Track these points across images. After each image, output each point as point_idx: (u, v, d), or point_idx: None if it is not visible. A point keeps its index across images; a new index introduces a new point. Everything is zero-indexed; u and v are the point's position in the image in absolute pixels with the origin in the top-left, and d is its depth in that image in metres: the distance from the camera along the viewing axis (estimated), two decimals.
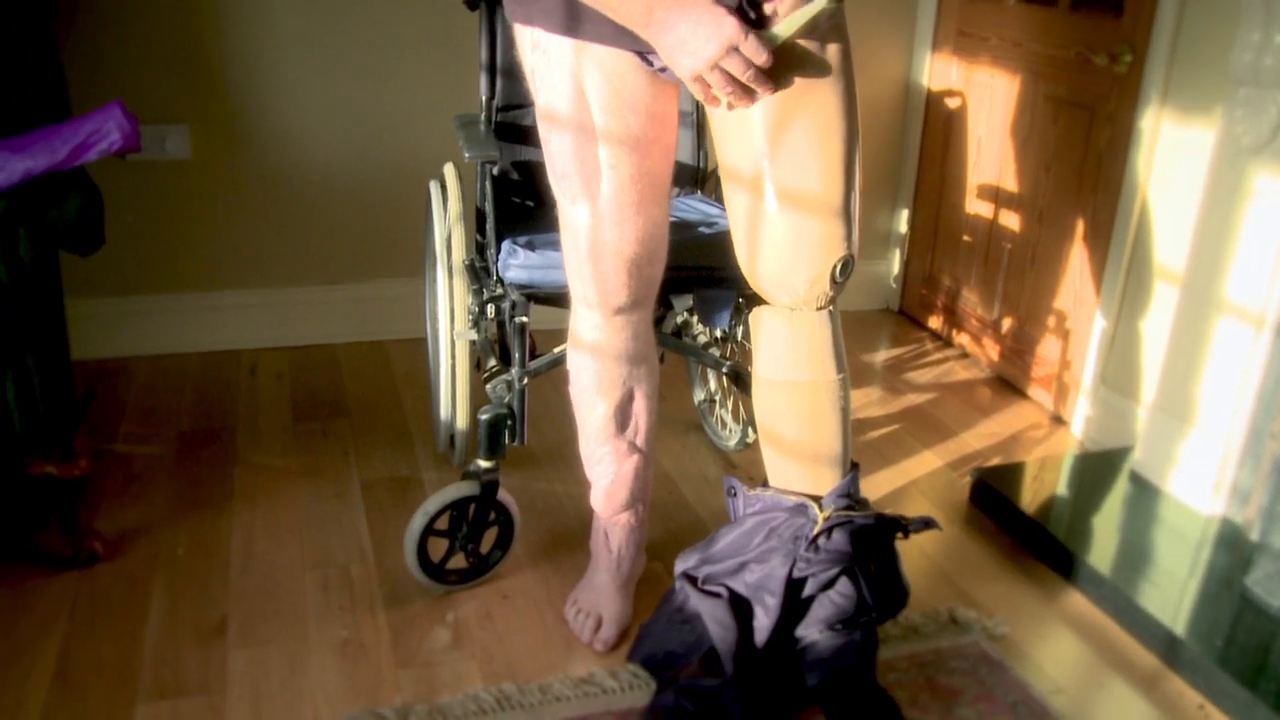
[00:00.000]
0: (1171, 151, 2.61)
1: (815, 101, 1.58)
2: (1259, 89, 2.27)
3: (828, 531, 1.73)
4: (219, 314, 3.18)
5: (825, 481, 1.76)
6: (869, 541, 1.77)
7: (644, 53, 1.59)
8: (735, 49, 1.45)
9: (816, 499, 1.74)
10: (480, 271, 2.24)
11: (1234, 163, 2.36)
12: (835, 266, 1.63)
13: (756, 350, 1.75)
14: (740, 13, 1.47)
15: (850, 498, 1.76)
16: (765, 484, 1.81)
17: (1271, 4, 2.19)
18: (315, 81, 3.05)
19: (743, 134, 1.61)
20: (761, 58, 1.47)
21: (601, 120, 1.65)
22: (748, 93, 1.50)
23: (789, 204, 1.60)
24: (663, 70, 1.62)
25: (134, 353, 3.13)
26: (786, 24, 1.50)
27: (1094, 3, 2.86)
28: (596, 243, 1.74)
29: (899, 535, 1.81)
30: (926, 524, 1.81)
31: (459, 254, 2.28)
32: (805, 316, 1.67)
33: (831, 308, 1.69)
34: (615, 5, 1.48)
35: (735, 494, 1.83)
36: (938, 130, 3.48)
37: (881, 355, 3.45)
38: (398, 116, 3.14)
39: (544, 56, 1.66)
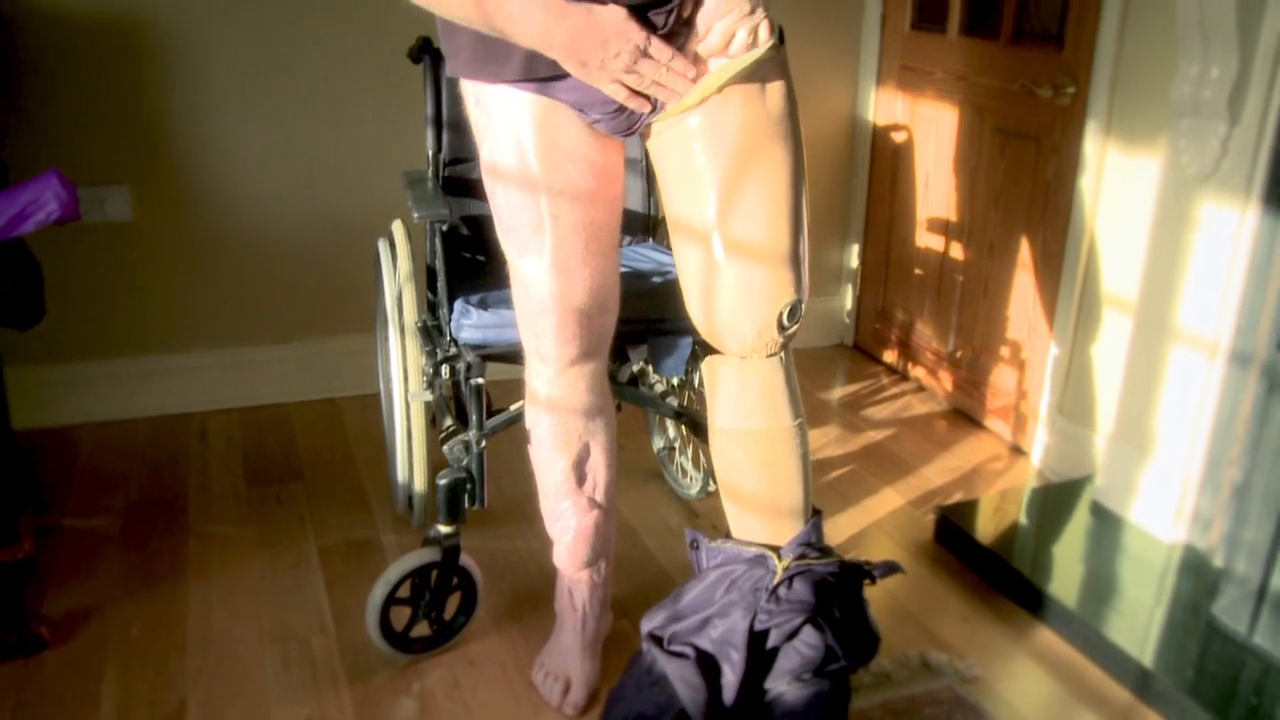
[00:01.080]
0: (1118, 181, 2.63)
1: (759, 146, 1.57)
2: (1200, 119, 2.29)
3: (788, 581, 1.70)
4: (167, 377, 3.11)
5: (786, 531, 1.74)
6: (833, 589, 1.75)
7: (580, 108, 1.59)
8: (644, 52, 1.48)
9: (776, 549, 1.72)
10: (433, 331, 2.21)
11: (1180, 192, 2.37)
12: (782, 312, 1.62)
13: (711, 399, 1.73)
14: (637, 12, 1.47)
15: (811, 545, 1.74)
16: (728, 535, 1.79)
17: (1208, 38, 2.21)
18: (259, 138, 3.00)
19: (688, 183, 1.61)
20: (668, 54, 1.49)
21: (542, 172, 1.64)
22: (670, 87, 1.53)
23: (735, 252, 1.59)
24: (596, 122, 1.61)
25: (79, 420, 3.06)
26: (719, 72, 1.50)
27: (1035, 36, 2.89)
28: (546, 295, 1.71)
29: (865, 581, 1.79)
30: (891, 569, 1.79)
31: (411, 314, 2.24)
32: (756, 364, 1.66)
33: (783, 353, 1.68)
34: (513, 29, 1.47)
35: (698, 547, 1.80)
36: (885, 164, 3.49)
37: (838, 392, 3.45)
38: (344, 171, 3.10)
39: (485, 112, 1.65)
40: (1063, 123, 2.75)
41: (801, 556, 1.72)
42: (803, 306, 1.64)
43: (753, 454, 1.71)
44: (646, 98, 1.55)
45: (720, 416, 1.72)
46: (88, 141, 2.87)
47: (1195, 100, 2.28)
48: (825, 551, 1.76)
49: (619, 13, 1.46)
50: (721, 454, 1.75)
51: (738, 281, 1.60)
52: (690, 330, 2.04)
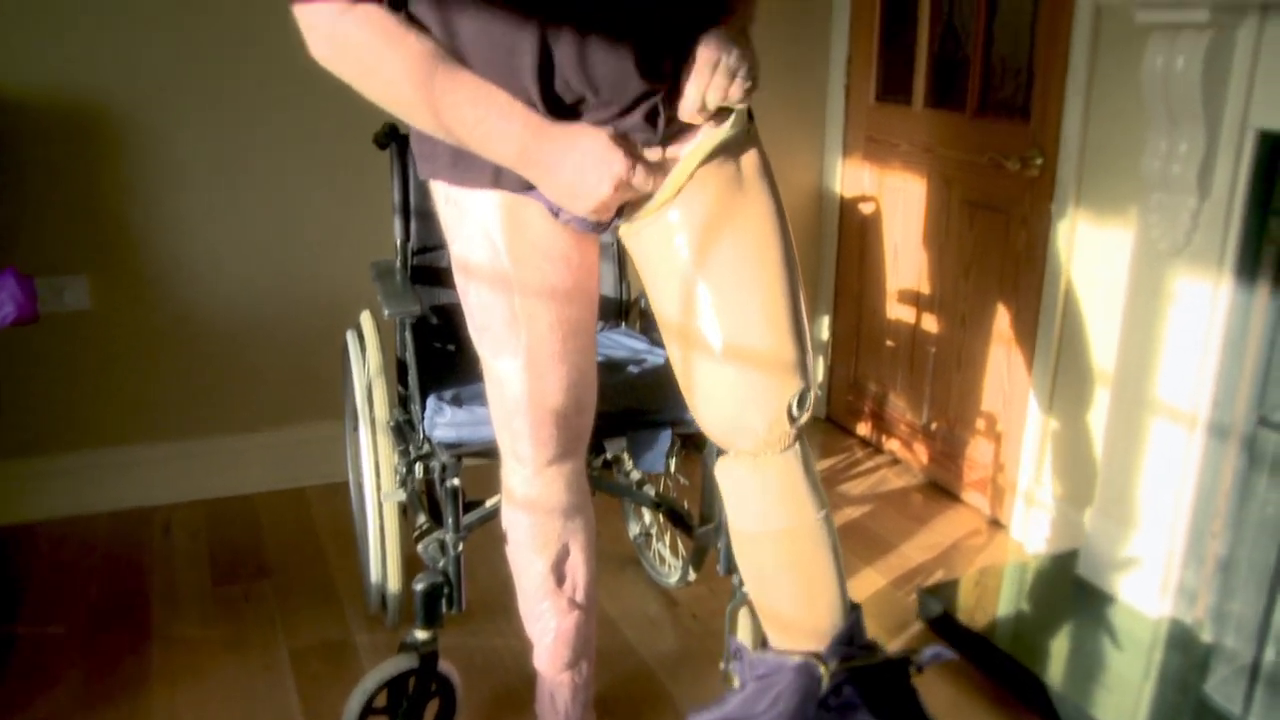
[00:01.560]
0: (1090, 253, 2.63)
1: (744, 230, 1.52)
2: (1170, 194, 2.29)
3: (836, 689, 1.63)
4: (128, 470, 3.03)
5: (826, 629, 1.63)
6: (882, 687, 1.67)
7: (550, 207, 1.53)
8: (627, 184, 1.42)
9: (819, 654, 1.63)
10: (405, 426, 2.15)
11: (1153, 265, 2.37)
12: (791, 403, 1.54)
13: (727, 502, 1.65)
14: (624, 138, 1.43)
15: (854, 644, 1.65)
16: (765, 643, 1.70)
17: (1174, 115, 2.22)
18: (222, 225, 2.95)
19: (674, 280, 1.55)
20: (650, 185, 1.44)
21: (515, 271, 1.58)
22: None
23: (734, 348, 1.53)
24: (569, 221, 1.55)
25: (35, 517, 2.96)
26: (689, 158, 1.46)
27: (1001, 108, 2.90)
28: (521, 396, 1.66)
29: (913, 672, 1.72)
30: (937, 656, 1.69)
31: (382, 411, 2.18)
32: (771, 460, 1.58)
33: (798, 444, 1.59)
34: (488, 145, 1.42)
35: (740, 657, 1.72)
36: (853, 236, 3.49)
37: None
38: (310, 257, 3.06)
39: (456, 209, 1.60)
40: (1032, 195, 2.75)
41: (846, 658, 1.62)
42: (811, 393, 1.57)
43: (781, 555, 1.63)
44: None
45: (740, 520, 1.64)
46: (46, 231, 2.81)
47: (1165, 175, 2.28)
48: (869, 648, 1.67)
49: (601, 139, 1.41)
50: (748, 559, 1.67)
51: (741, 378, 1.54)
52: (669, 421, 2.01)
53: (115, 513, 3.02)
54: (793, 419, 1.56)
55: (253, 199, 2.97)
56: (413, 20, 1.38)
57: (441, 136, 1.44)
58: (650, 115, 1.44)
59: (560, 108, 1.42)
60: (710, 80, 1.42)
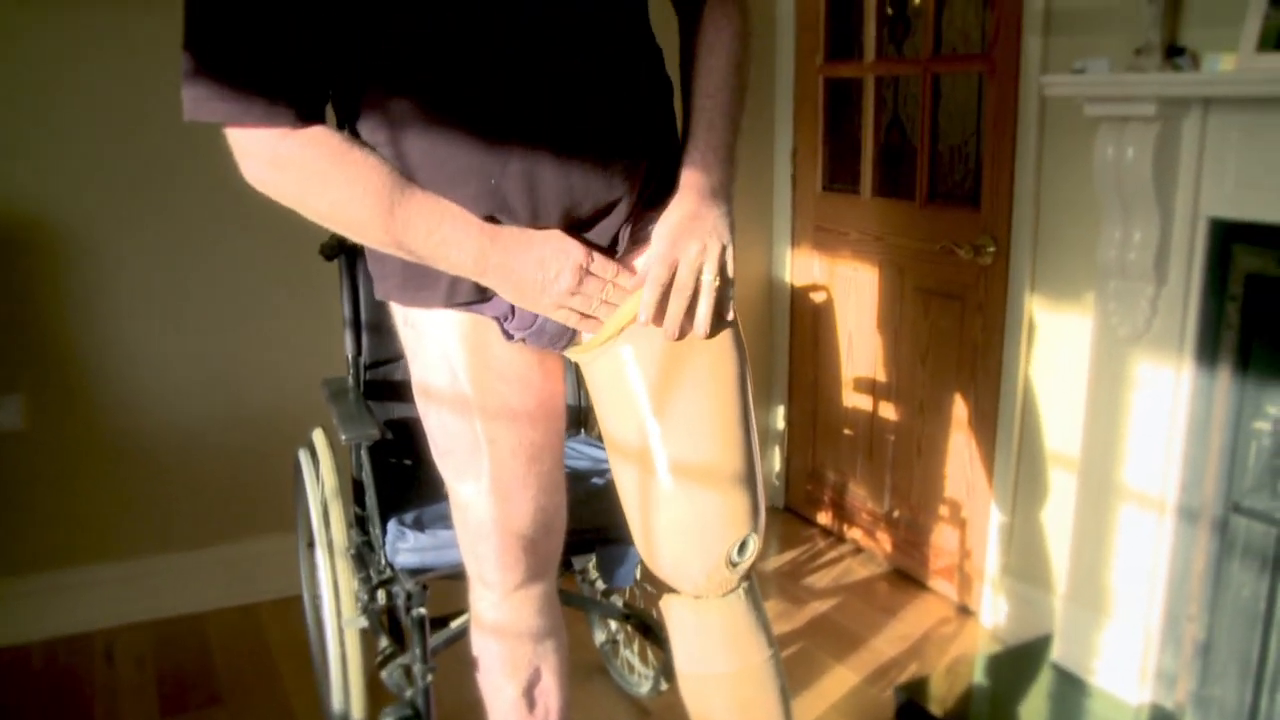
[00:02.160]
0: (1048, 340, 2.63)
1: (698, 369, 1.44)
2: (1127, 281, 2.31)
3: None
4: (66, 594, 2.89)
5: None
6: None
7: (503, 327, 1.47)
8: (587, 270, 1.36)
9: None
10: (364, 548, 2.07)
11: (1113, 352, 2.38)
12: (731, 551, 1.45)
13: (671, 640, 1.58)
14: (576, 233, 1.38)
15: None
16: None
17: (1128, 203, 2.24)
18: (163, 339, 2.86)
19: (622, 400, 1.48)
20: (613, 270, 1.38)
21: (475, 395, 1.52)
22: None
23: (678, 483, 1.44)
24: (524, 338, 1.48)
25: None
26: (625, 307, 1.39)
27: (951, 196, 2.92)
28: (486, 520, 1.60)
29: None
30: None
31: (340, 535, 2.09)
32: (713, 604, 1.50)
33: (742, 586, 1.51)
34: (444, 258, 1.35)
35: None
36: (806, 325, 3.48)
37: (774, 560, 3.35)
38: (257, 371, 2.97)
39: (414, 331, 1.54)
40: (986, 282, 2.76)
41: None
42: (755, 539, 1.48)
43: (725, 698, 1.56)
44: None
45: (682, 660, 1.58)
46: None
47: (1121, 262, 2.29)
48: None
49: (556, 234, 1.36)
50: (691, 699, 1.60)
51: (682, 523, 1.45)
52: None
53: (52, 640, 2.87)
54: (733, 566, 1.47)
55: (196, 312, 2.89)
56: (357, 137, 1.33)
57: (393, 251, 1.37)
58: (606, 238, 1.41)
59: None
60: (655, 295, 1.36)
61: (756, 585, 1.55)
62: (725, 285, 1.41)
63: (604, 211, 1.39)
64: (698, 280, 1.37)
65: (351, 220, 1.33)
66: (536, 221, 1.36)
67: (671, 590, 1.53)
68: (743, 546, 1.46)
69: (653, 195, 1.44)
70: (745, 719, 1.56)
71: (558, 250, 1.35)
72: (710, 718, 1.59)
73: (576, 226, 1.39)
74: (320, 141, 1.28)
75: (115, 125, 2.72)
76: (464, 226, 1.33)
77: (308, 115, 1.27)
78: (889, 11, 3.08)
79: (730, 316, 1.45)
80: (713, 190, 1.40)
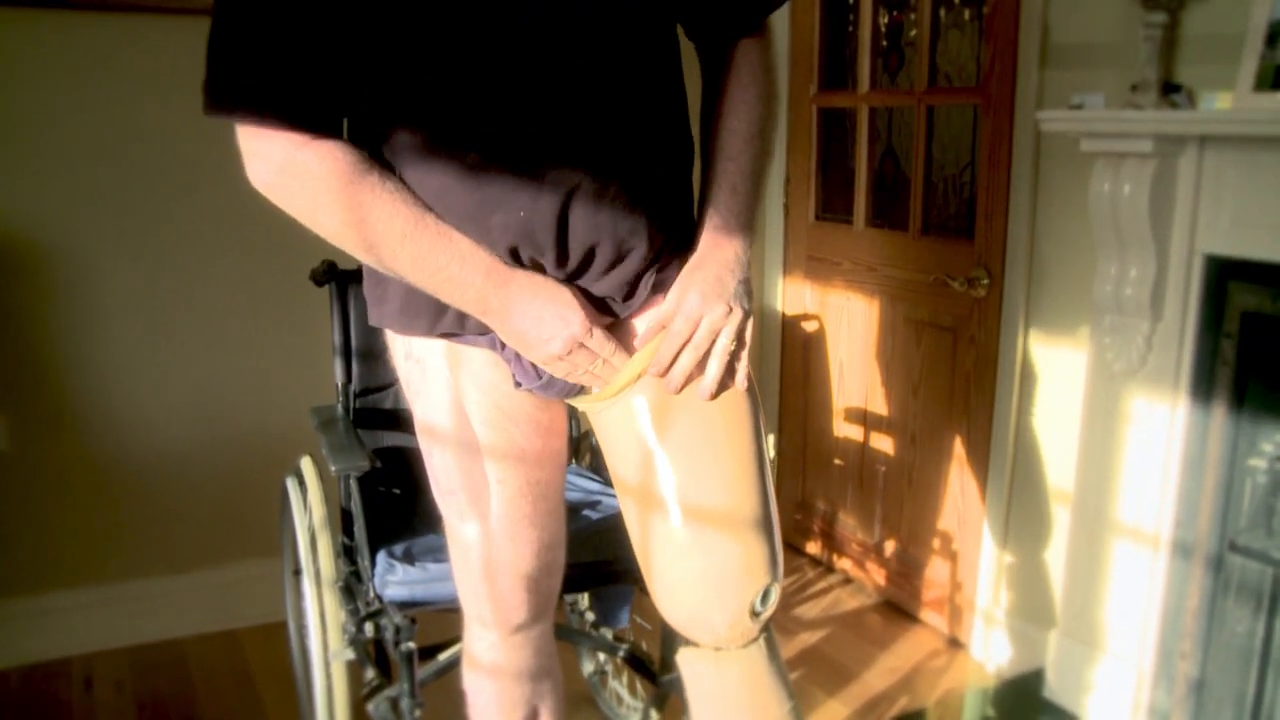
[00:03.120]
0: (1042, 373, 2.63)
1: (712, 418, 1.42)
2: (1123, 316, 2.31)
3: None
4: (44, 619, 2.84)
5: None
6: None
7: (514, 377, 1.44)
8: (580, 344, 1.33)
9: None
10: (351, 579, 2.04)
11: (1108, 387, 2.37)
12: (754, 600, 1.43)
13: (689, 693, 1.55)
14: (588, 299, 1.36)
15: None
16: None
17: (1124, 239, 2.24)
18: (148, 362, 2.83)
19: (635, 449, 1.44)
20: (609, 349, 1.36)
21: (484, 434, 1.50)
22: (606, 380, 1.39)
23: (696, 538, 1.42)
24: (531, 389, 1.45)
25: None
26: (636, 360, 1.38)
27: (945, 228, 2.92)
28: (489, 561, 1.57)
29: None
30: None
31: (327, 566, 2.06)
32: (734, 656, 1.47)
33: (763, 637, 1.49)
34: (448, 292, 1.33)
35: None
36: (797, 354, 3.47)
37: None
38: (244, 396, 2.94)
39: (418, 366, 1.51)
40: (979, 314, 2.76)
41: None
42: (776, 588, 1.45)
43: None
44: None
45: (701, 715, 1.54)
46: None
47: (1117, 298, 2.29)
48: None
49: (564, 295, 1.33)
50: None
51: (702, 573, 1.42)
52: (631, 573, 1.92)
53: (28, 666, 2.82)
54: (755, 615, 1.45)
55: (183, 335, 2.86)
56: (378, 158, 1.30)
57: (395, 278, 1.35)
58: (623, 285, 1.39)
59: (530, 266, 1.36)
60: (672, 351, 1.36)
61: (775, 636, 1.52)
62: (740, 350, 1.39)
63: (625, 255, 1.36)
64: (714, 340, 1.36)
65: (360, 241, 1.30)
66: (561, 258, 1.33)
67: (689, 643, 1.50)
68: (765, 595, 1.44)
69: (671, 246, 1.42)
70: None
71: (557, 315, 1.32)
72: None
73: (596, 268, 1.36)
74: (338, 157, 1.25)
75: (105, 148, 2.70)
76: (473, 265, 1.30)
77: (324, 127, 1.25)
78: (883, 43, 3.09)
79: (744, 386, 1.42)
80: (735, 256, 1.38)
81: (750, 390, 1.45)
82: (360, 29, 1.23)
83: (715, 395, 1.39)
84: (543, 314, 1.32)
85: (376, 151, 1.30)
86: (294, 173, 1.25)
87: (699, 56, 1.48)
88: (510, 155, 1.29)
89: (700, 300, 1.34)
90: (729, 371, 1.39)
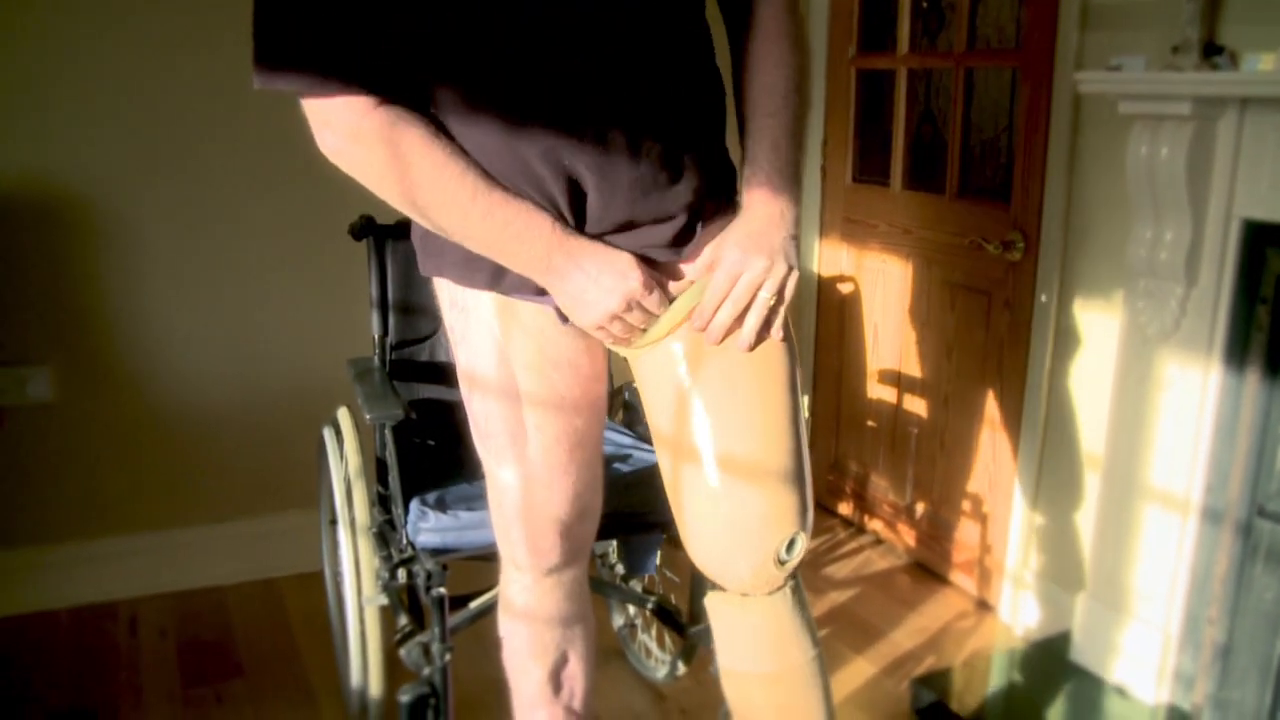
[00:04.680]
0: (1076, 337, 2.62)
1: (749, 367, 1.45)
2: (1157, 280, 2.29)
3: None
4: (92, 565, 2.93)
5: None
6: None
7: (559, 311, 1.47)
8: (638, 302, 1.37)
9: None
10: (386, 528, 2.09)
11: (1142, 351, 2.36)
12: (779, 548, 1.46)
13: (715, 637, 1.59)
14: (647, 262, 1.39)
15: None
16: None
17: (1160, 202, 2.22)
18: (191, 315, 2.89)
19: (671, 405, 1.48)
20: (660, 309, 1.40)
21: (526, 380, 1.53)
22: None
23: (727, 485, 1.45)
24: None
25: None
26: (687, 296, 1.41)
27: (981, 191, 2.91)
28: (525, 505, 1.61)
29: None
30: None
31: (362, 514, 2.11)
32: (758, 603, 1.50)
33: (788, 585, 1.52)
34: (512, 252, 1.36)
35: None
36: (832, 316, 3.47)
37: None
38: (284, 349, 2.99)
39: (463, 315, 1.55)
40: (1014, 278, 2.75)
41: None
42: (803, 537, 1.48)
43: (767, 696, 1.57)
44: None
45: (727, 658, 1.58)
46: (8, 320, 2.73)
47: (1151, 262, 2.28)
48: None
49: (624, 257, 1.37)
50: (733, 695, 1.61)
51: (730, 520, 1.45)
52: (659, 523, 1.95)
53: (77, 608, 2.91)
54: (781, 563, 1.48)
55: (225, 288, 2.91)
56: (434, 122, 1.33)
57: (458, 240, 1.39)
58: (675, 234, 1.41)
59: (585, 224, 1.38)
60: (714, 304, 1.39)
61: (802, 586, 1.55)
62: (779, 305, 1.42)
63: (668, 207, 1.39)
64: (754, 295, 1.39)
65: (430, 203, 1.33)
66: (606, 210, 1.36)
67: (717, 587, 1.53)
68: (791, 544, 1.47)
69: (713, 200, 1.44)
70: (787, 717, 1.57)
71: (617, 272, 1.36)
72: (752, 716, 1.60)
73: (643, 223, 1.39)
74: (407, 123, 1.29)
75: (149, 102, 2.74)
76: (538, 224, 1.34)
77: (385, 89, 1.27)
78: (923, 4, 3.06)
79: (780, 336, 1.45)
80: (780, 212, 1.40)
81: (788, 341, 1.48)
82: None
83: (753, 348, 1.42)
84: (600, 272, 1.36)
85: (424, 110, 1.33)
86: (363, 140, 1.28)
87: (722, 10, 1.50)
88: (548, 111, 1.31)
89: (740, 255, 1.37)
90: (766, 325, 1.42)
